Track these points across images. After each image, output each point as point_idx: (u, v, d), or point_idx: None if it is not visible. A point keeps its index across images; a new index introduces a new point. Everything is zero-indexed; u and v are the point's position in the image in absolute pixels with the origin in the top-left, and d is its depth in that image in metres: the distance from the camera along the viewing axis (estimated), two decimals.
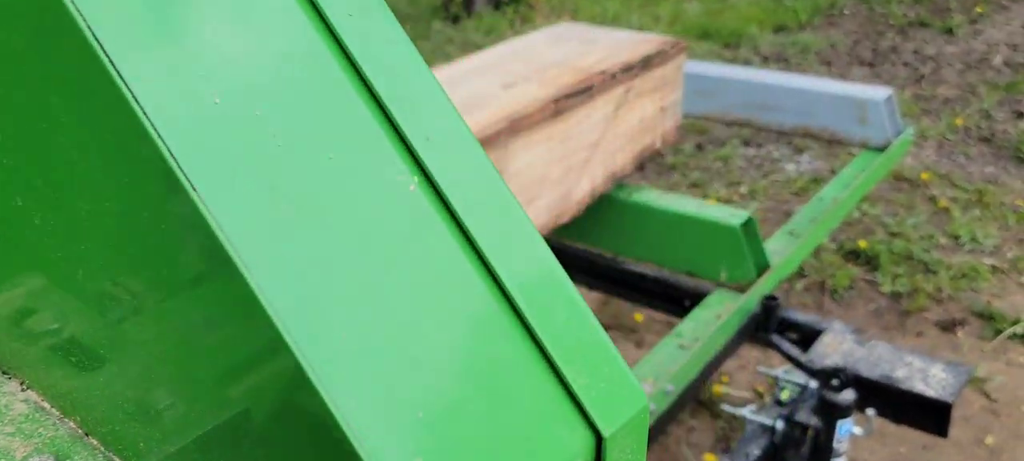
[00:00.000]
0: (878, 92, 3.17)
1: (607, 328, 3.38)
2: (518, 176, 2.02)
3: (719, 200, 4.17)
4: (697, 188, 4.33)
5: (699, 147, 4.82)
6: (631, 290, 2.57)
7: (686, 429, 2.82)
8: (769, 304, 2.06)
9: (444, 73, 2.38)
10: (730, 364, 2.96)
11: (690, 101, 3.62)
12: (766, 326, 2.05)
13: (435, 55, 6.16)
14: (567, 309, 0.52)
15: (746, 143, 4.83)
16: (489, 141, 1.90)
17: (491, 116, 1.99)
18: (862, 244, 3.74)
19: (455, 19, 7.16)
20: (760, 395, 2.93)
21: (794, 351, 1.97)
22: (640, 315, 3.32)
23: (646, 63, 2.43)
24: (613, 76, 2.29)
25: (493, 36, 6.80)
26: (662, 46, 2.52)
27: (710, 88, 3.56)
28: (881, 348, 2.14)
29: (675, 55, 2.58)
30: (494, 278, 0.50)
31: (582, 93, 2.17)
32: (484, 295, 0.49)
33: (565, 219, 2.24)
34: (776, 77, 3.47)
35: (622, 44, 2.54)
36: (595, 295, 3.18)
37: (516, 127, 1.96)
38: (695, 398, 2.88)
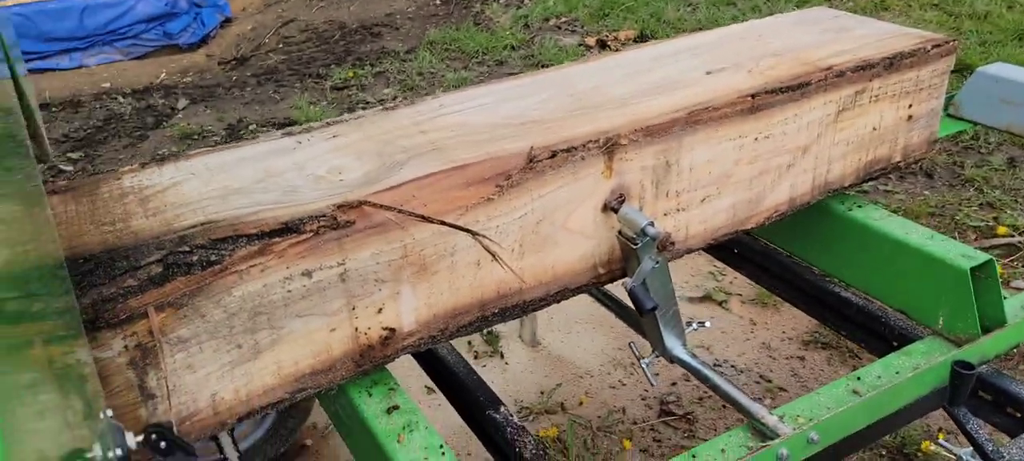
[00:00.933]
0: None
1: (824, 348, 3.06)
2: (693, 171, 1.87)
3: (1012, 229, 3.54)
4: (990, 209, 3.71)
5: (1011, 162, 4.11)
6: (833, 314, 2.29)
7: None
8: (960, 371, 1.72)
9: (657, 49, 2.25)
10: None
11: (991, 110, 3.12)
12: (953, 397, 1.72)
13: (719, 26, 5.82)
14: None
15: None
16: (661, 129, 1.77)
17: (673, 103, 1.85)
18: None
19: None
20: None
21: (982, 435, 1.63)
22: None
23: (892, 63, 2.10)
24: (840, 74, 2.01)
25: (803, 8, 6.28)
26: (921, 44, 2.16)
27: (1016, 96, 3.02)
28: None
29: (937, 57, 2.20)
30: None
31: (793, 89, 1.94)
32: None
33: (751, 225, 2.04)
34: None
35: (872, 38, 2.22)
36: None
37: (695, 119, 1.81)
38: (898, 452, 2.52)
